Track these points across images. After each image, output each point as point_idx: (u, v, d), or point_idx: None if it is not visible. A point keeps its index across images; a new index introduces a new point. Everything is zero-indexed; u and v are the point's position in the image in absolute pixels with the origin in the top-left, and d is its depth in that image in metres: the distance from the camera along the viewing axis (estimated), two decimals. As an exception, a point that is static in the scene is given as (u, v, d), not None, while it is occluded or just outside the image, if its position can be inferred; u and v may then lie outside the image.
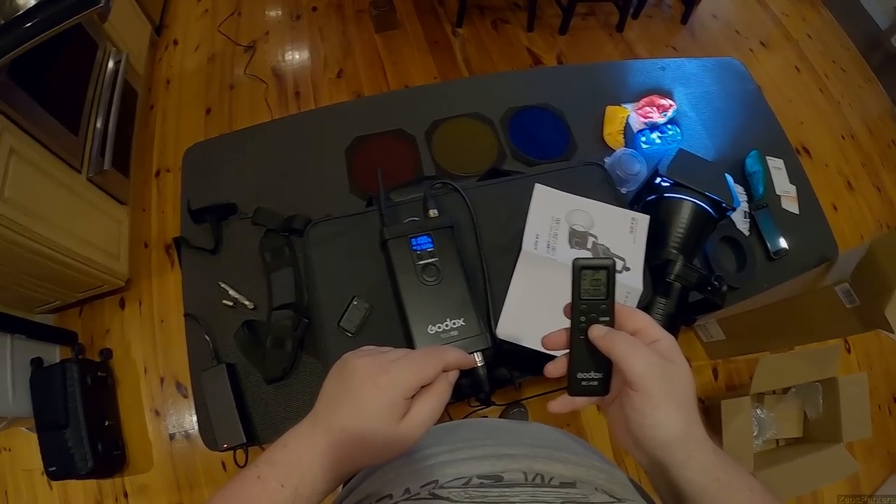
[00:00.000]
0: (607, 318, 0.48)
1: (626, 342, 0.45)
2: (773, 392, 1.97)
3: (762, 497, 0.44)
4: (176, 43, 2.71)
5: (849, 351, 2.42)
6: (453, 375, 0.51)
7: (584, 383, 0.50)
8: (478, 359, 0.80)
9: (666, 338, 0.47)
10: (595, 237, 0.96)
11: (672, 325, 1.05)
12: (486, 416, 1.55)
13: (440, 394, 0.49)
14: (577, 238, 0.95)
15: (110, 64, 2.00)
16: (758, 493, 0.44)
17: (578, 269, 0.48)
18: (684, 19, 3.45)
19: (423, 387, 0.48)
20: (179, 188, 1.18)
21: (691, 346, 2.05)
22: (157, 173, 2.25)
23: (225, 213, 1.13)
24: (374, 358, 0.48)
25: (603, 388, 0.50)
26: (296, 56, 2.74)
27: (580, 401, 0.50)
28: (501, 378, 1.00)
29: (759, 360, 1.78)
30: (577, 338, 0.49)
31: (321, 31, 2.84)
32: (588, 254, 0.95)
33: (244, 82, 2.58)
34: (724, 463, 0.44)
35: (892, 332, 1.30)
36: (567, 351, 0.50)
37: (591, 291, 0.48)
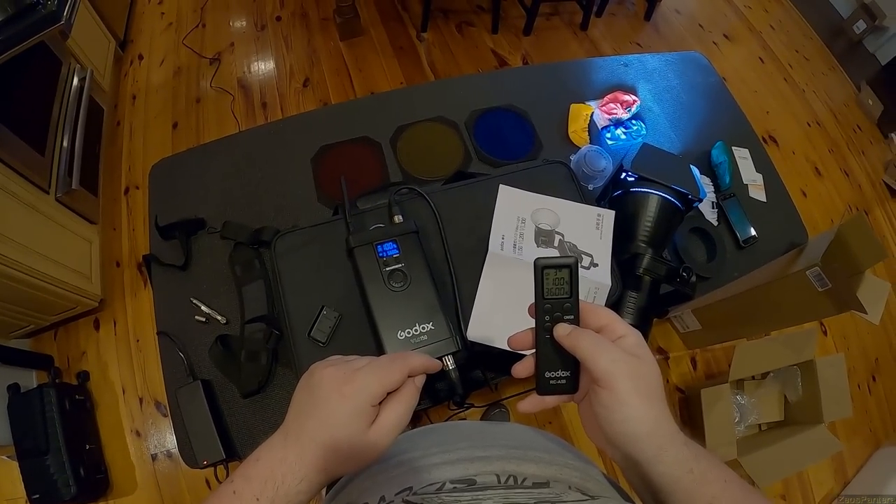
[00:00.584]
0: (572, 317, 0.49)
1: (590, 340, 0.46)
2: (753, 378, 2.00)
3: (737, 486, 0.45)
4: (141, 58, 2.68)
5: (825, 333, 2.46)
6: (420, 380, 0.52)
7: (552, 382, 0.50)
8: (449, 362, 0.80)
9: (631, 333, 0.47)
10: (561, 235, 0.97)
11: (645, 317, 1.06)
12: (466, 419, 1.55)
13: (407, 399, 0.50)
14: (544, 237, 0.96)
15: (75, 81, 1.97)
16: (732, 484, 0.45)
17: (540, 268, 0.49)
18: (648, 16, 3.50)
19: (390, 393, 0.49)
20: (148, 206, 1.16)
21: (668, 338, 2.07)
22: (126, 190, 2.22)
23: (193, 228, 1.11)
24: (340, 367, 0.48)
25: (572, 386, 0.50)
26: (261, 66, 2.73)
27: (550, 400, 0.51)
28: (477, 380, 1.00)
29: (736, 348, 1.80)
30: (543, 337, 0.49)
31: (286, 40, 2.83)
32: (555, 252, 0.95)
33: (211, 95, 2.56)
34: (697, 454, 0.45)
35: (865, 312, 1.34)
36: (534, 350, 0.50)
37: (555, 290, 0.49)
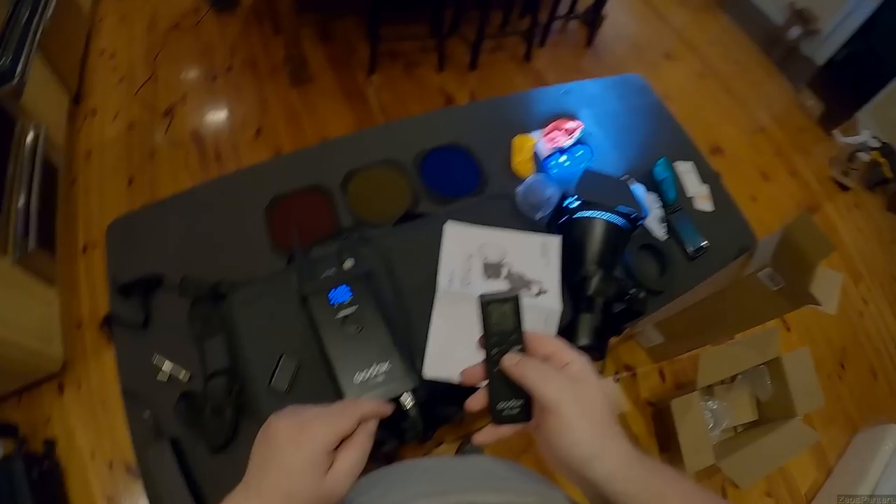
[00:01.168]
0: (519, 347, 0.51)
1: (535, 370, 0.48)
2: (722, 382, 2.03)
3: (699, 498, 0.46)
4: (94, 112, 2.66)
5: (789, 330, 2.52)
6: (372, 425, 0.54)
7: (505, 413, 0.51)
8: (408, 400, 0.82)
9: (577, 360, 0.49)
10: (509, 266, 1.00)
11: (601, 336, 1.09)
12: (443, 455, 1.56)
13: (360, 444, 0.52)
14: (491, 269, 0.99)
15: (29, 139, 1.94)
16: (693, 495, 0.46)
17: (485, 304, 0.51)
18: (589, 42, 3.61)
19: (345, 439, 0.51)
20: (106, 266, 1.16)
21: (634, 354, 2.11)
22: (85, 249, 2.20)
23: (152, 285, 1.11)
24: (294, 417, 0.50)
25: (525, 415, 0.51)
26: (214, 118, 2.74)
27: (504, 429, 0.51)
28: (443, 416, 1.02)
29: (700, 356, 1.83)
30: (493, 370, 0.51)
31: (238, 90, 2.85)
32: (504, 284, 0.98)
33: (165, 149, 2.55)
34: (653, 471, 0.45)
35: (820, 304, 1.37)
36: (486, 383, 0.52)
37: (500, 324, 0.50)
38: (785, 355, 1.92)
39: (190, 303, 1.09)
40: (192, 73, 2.91)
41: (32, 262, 1.82)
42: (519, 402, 0.50)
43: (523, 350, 0.51)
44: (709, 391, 2.02)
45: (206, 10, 3.20)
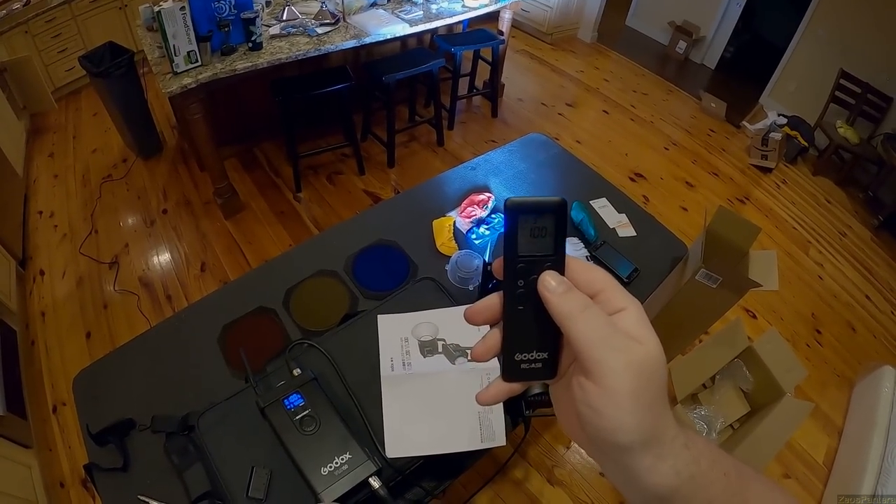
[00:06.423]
0: None
1: (589, 314, 0.35)
2: (704, 387, 2.06)
3: (734, 477, 0.37)
4: (42, 273, 2.74)
5: (755, 317, 2.64)
6: None
7: (524, 366, 0.39)
8: (375, 483, 0.93)
9: (632, 305, 0.37)
10: (443, 339, 1.12)
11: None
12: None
13: None
14: (427, 346, 1.11)
15: (-19, 307, 2.00)
16: (730, 477, 0.37)
17: (514, 212, 0.37)
18: (494, 113, 3.86)
19: None
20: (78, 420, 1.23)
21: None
22: (55, 409, 2.22)
23: (125, 429, 1.18)
24: None
25: (549, 372, 0.39)
26: (159, 260, 2.83)
27: (517, 387, 0.40)
28: (425, 492, 1.10)
29: (671, 368, 1.86)
30: (514, 308, 0.38)
31: (176, 230, 2.97)
32: (441, 358, 1.09)
33: (116, 298, 2.62)
34: (698, 456, 0.36)
35: (761, 285, 1.44)
36: (502, 324, 0.39)
37: (533, 245, 0.37)
38: (756, 342, 1.97)
39: (164, 439, 1.18)
40: (130, 221, 3.03)
41: (5, 428, 1.86)
42: (543, 355, 0.38)
43: None
44: (693, 399, 2.05)
45: (133, 158, 3.37)
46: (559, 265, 0.37)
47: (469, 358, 0.43)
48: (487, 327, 0.40)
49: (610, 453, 0.36)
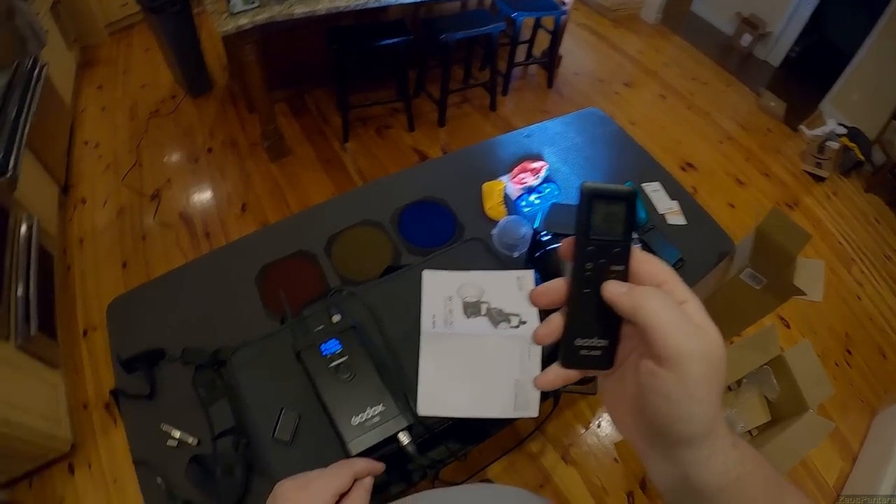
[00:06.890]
0: (622, 268, 0.38)
1: (661, 303, 0.35)
2: (729, 389, 2.01)
3: (774, 484, 0.39)
4: (84, 201, 2.77)
5: (788, 326, 2.56)
6: (368, 481, 0.62)
7: (583, 352, 0.39)
8: (405, 438, 0.90)
9: (693, 299, 0.37)
10: (487, 302, 1.09)
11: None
12: (452, 486, 1.59)
13: (357, 498, 0.59)
14: (471, 308, 1.07)
15: (23, 230, 2.03)
16: (770, 482, 0.39)
17: (588, 197, 0.38)
18: (550, 83, 3.78)
19: (344, 494, 0.58)
20: (108, 345, 1.22)
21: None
22: (85, 333, 2.26)
23: (155, 358, 1.18)
24: (296, 480, 0.58)
25: (607, 360, 0.40)
26: (200, 197, 2.84)
27: (574, 374, 0.40)
28: (448, 453, 1.08)
29: None
30: (580, 291, 0.39)
31: (220, 169, 2.98)
32: (485, 320, 1.05)
33: (155, 231, 2.65)
34: (743, 457, 0.38)
35: (805, 294, 1.40)
36: (564, 308, 0.40)
37: (604, 229, 0.38)
38: (788, 351, 1.91)
39: (193, 371, 1.17)
40: (175, 157, 3.04)
41: (35, 347, 1.88)
42: (603, 342, 0.39)
43: (625, 272, 0.38)
44: (717, 399, 2.02)
45: (182, 95, 3.37)
46: (626, 251, 0.38)
47: (533, 340, 0.41)
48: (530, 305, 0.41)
49: (669, 446, 0.36)
